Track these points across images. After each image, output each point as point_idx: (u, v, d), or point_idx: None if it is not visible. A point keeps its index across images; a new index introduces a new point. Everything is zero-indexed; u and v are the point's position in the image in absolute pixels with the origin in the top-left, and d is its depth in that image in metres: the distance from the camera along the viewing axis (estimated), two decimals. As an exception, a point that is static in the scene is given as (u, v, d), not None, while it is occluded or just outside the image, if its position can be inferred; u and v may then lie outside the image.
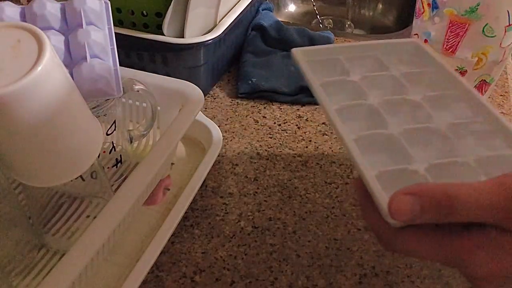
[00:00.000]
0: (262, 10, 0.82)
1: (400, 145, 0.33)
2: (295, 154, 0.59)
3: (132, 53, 0.62)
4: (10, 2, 0.40)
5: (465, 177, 0.30)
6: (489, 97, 0.71)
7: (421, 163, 0.31)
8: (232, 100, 0.68)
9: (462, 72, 0.63)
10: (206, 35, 0.61)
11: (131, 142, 0.52)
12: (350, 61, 0.41)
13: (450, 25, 0.60)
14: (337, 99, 0.36)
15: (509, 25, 0.58)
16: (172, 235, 0.46)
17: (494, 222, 0.24)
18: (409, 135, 0.33)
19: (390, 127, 0.34)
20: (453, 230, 0.26)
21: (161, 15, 0.60)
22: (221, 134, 0.56)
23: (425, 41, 0.64)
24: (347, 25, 1.09)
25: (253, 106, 0.67)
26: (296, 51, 0.41)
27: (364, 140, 0.33)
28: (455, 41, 0.61)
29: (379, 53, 0.42)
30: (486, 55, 0.61)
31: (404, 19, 1.01)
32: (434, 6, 0.61)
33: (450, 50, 0.62)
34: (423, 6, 0.63)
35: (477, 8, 0.57)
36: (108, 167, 0.50)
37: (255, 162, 0.57)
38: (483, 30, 0.59)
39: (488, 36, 0.59)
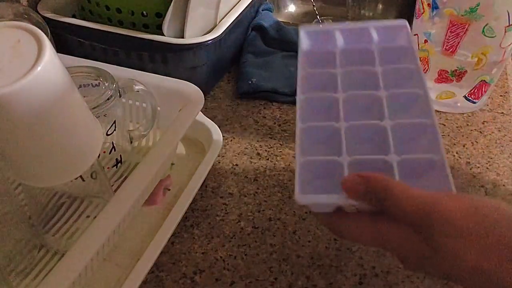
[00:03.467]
0: (262, 10, 0.82)
1: (341, 138, 0.35)
2: (295, 154, 0.59)
3: (132, 53, 0.62)
4: None
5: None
6: (489, 97, 0.71)
7: (348, 157, 0.34)
8: (232, 101, 0.68)
9: (462, 72, 0.63)
10: (206, 35, 0.61)
11: (131, 142, 0.52)
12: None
13: (450, 25, 0.60)
14: (309, 88, 0.39)
15: (509, 25, 0.58)
16: (172, 235, 0.46)
17: (412, 226, 0.29)
18: (355, 130, 0.36)
19: (341, 122, 0.37)
20: (389, 219, 0.31)
21: (161, 15, 0.60)
22: (221, 134, 0.56)
23: (425, 41, 0.64)
24: (347, 26, 1.09)
25: (253, 106, 0.67)
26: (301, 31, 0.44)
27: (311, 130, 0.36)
28: (455, 41, 0.61)
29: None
30: (486, 55, 0.61)
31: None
32: (434, 6, 0.61)
33: (450, 50, 0.62)
34: (423, 7, 0.63)
35: (477, 9, 0.57)
36: (108, 167, 0.50)
37: (255, 162, 0.58)
38: (483, 31, 0.59)
39: (488, 37, 0.59)
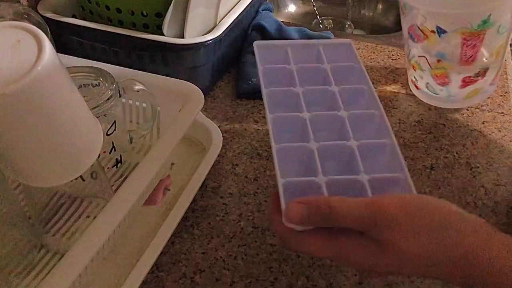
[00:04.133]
0: (262, 10, 0.82)
1: (314, 158, 0.37)
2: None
3: (132, 53, 0.62)
4: None
5: (357, 192, 0.35)
6: (489, 98, 0.70)
7: (324, 177, 0.36)
8: (232, 101, 0.68)
9: (485, 70, 0.64)
10: (206, 35, 0.61)
11: (131, 142, 0.52)
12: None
13: (464, 40, 0.60)
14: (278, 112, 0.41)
15: None
16: (172, 235, 0.46)
17: (361, 229, 0.32)
18: (325, 149, 0.38)
19: (311, 142, 0.38)
20: (340, 233, 0.33)
21: (161, 15, 0.60)
22: (221, 134, 0.56)
23: (438, 61, 0.63)
24: (347, 26, 1.09)
25: (253, 106, 0.67)
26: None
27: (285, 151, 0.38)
28: (472, 52, 0.61)
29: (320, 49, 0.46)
30: (503, 47, 0.62)
31: (404, 20, 1.01)
32: (440, 32, 0.60)
33: (470, 59, 0.62)
34: (424, 34, 0.62)
35: (489, 18, 0.57)
36: (108, 167, 0.50)
37: (255, 162, 0.57)
38: (498, 31, 0.59)
39: (503, 33, 0.60)
